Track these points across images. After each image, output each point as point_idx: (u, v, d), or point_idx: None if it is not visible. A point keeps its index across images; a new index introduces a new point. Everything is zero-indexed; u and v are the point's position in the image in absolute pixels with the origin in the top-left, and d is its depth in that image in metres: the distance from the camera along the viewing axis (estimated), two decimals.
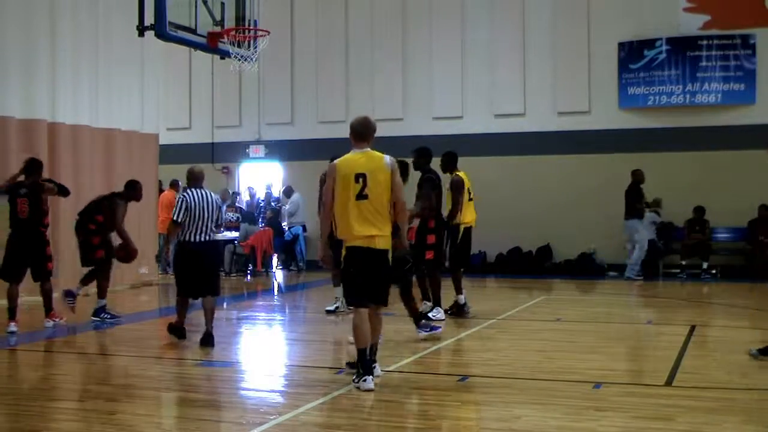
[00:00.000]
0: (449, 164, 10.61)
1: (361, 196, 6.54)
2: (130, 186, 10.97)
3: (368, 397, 6.36)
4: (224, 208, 18.26)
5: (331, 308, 10.87)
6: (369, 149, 6.71)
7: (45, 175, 12.63)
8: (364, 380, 6.46)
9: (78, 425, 5.67)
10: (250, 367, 7.99)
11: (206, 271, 8.96)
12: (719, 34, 16.31)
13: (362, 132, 6.75)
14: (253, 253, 16.98)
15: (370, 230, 6.54)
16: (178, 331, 9.00)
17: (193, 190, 8.96)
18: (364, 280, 6.63)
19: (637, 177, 15.43)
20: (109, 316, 10.52)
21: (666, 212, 16.51)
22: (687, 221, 16.10)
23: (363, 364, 6.52)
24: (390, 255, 6.65)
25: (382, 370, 6.88)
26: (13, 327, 9.59)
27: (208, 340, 8.62)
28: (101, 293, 10.62)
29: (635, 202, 15.35)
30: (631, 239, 15.59)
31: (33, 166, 10.13)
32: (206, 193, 9.01)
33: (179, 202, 8.86)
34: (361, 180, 6.55)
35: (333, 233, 6.75)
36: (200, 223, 8.79)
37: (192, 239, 8.79)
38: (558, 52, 17.26)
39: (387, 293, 6.76)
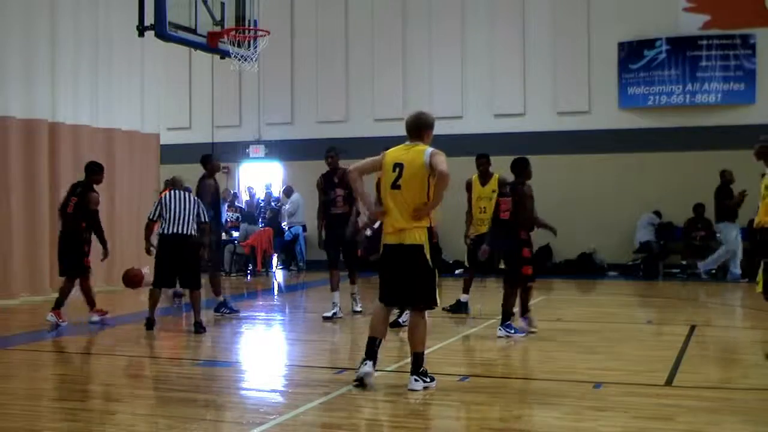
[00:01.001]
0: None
1: (394, 185, 6.53)
2: (205, 160, 11.10)
3: (368, 397, 6.36)
4: (225, 207, 18.30)
5: (329, 314, 10.54)
6: (420, 143, 6.63)
7: (45, 175, 12.73)
8: (364, 364, 6.52)
9: (78, 425, 5.67)
10: (250, 367, 7.99)
11: (181, 262, 9.60)
12: (719, 34, 16.32)
13: (410, 129, 6.72)
14: (253, 253, 16.99)
15: (401, 223, 6.50)
16: (148, 322, 9.59)
17: (170, 191, 9.79)
18: (391, 277, 6.61)
19: (727, 177, 14.99)
20: (228, 311, 10.83)
21: (666, 212, 16.52)
22: (688, 219, 16.08)
23: (367, 348, 6.57)
24: (426, 250, 6.50)
25: (382, 370, 6.86)
26: (50, 317, 9.96)
27: (197, 329, 9.43)
28: (215, 291, 10.94)
29: (726, 204, 14.87)
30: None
31: (88, 168, 10.54)
32: (183, 193, 9.75)
33: (155, 204, 9.74)
34: (397, 170, 6.53)
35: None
36: (176, 217, 9.52)
37: (168, 231, 9.54)
38: (558, 52, 17.27)
39: (421, 295, 6.54)
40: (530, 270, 9.17)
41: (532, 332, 9.16)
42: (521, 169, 9.38)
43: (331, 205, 10.61)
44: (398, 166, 6.53)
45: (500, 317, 9.14)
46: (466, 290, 10.80)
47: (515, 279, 9.14)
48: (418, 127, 6.69)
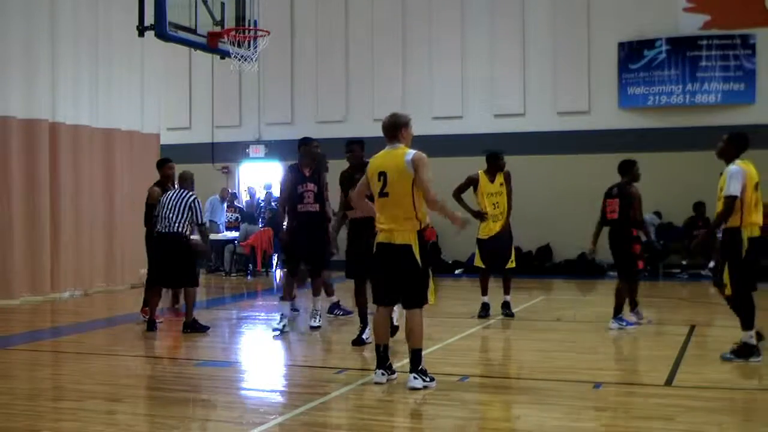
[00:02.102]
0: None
1: (382, 193, 6.61)
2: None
3: (368, 397, 6.37)
4: (224, 206, 18.29)
5: (278, 326, 9.48)
6: (399, 145, 6.68)
7: (45, 175, 12.71)
8: (374, 373, 6.69)
9: (77, 425, 5.67)
10: (250, 367, 7.99)
11: (173, 260, 9.52)
12: (719, 34, 16.32)
13: (387, 130, 6.77)
14: (253, 253, 16.98)
15: (390, 224, 6.59)
16: (149, 324, 9.62)
17: (172, 190, 9.71)
18: (385, 276, 6.70)
19: None
20: (342, 312, 10.66)
21: (666, 212, 16.51)
22: (689, 218, 16.06)
23: (376, 357, 6.72)
24: (416, 250, 6.56)
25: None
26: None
27: (186, 328, 9.42)
28: (328, 292, 10.71)
29: None
30: None
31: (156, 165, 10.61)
32: (182, 193, 9.61)
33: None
34: (382, 178, 6.60)
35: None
36: (169, 216, 9.47)
37: (160, 230, 9.55)
38: (558, 51, 17.27)
39: (413, 293, 6.62)
40: (642, 265, 9.84)
41: (639, 324, 9.57)
42: (628, 169, 9.84)
43: (298, 201, 9.53)
44: (382, 174, 6.61)
45: (612, 311, 9.54)
46: (485, 292, 10.58)
47: (630, 275, 9.68)
48: (395, 127, 6.73)
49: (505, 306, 10.59)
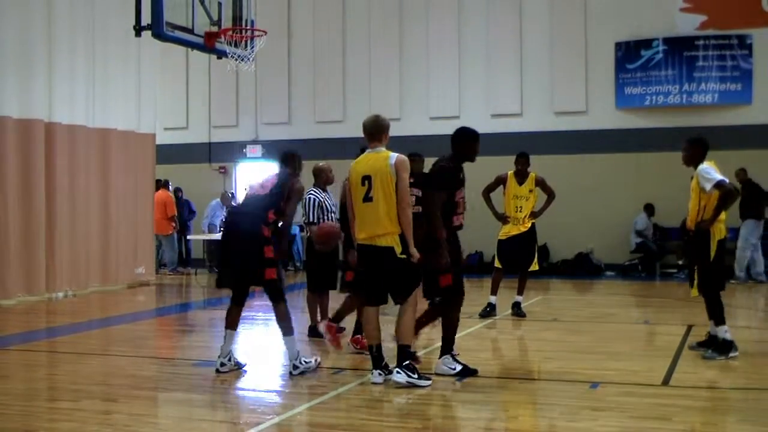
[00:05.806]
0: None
1: (366, 198, 6.58)
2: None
3: (367, 398, 6.36)
4: (223, 210, 18.25)
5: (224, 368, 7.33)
6: (382, 149, 6.71)
7: (41, 175, 12.68)
8: (371, 373, 6.66)
9: (75, 425, 5.66)
10: (248, 367, 7.97)
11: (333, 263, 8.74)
12: (716, 34, 16.35)
13: (371, 131, 6.77)
14: None
15: (375, 230, 6.58)
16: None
17: (317, 188, 8.70)
18: (369, 277, 6.72)
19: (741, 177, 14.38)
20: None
21: (662, 213, 16.53)
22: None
23: (371, 358, 6.69)
24: (398, 252, 6.55)
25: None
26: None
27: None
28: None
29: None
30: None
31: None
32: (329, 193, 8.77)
33: (312, 203, 8.49)
34: (366, 183, 6.58)
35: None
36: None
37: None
38: (555, 52, 17.28)
39: (401, 289, 6.64)
40: None
41: None
42: None
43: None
44: (366, 178, 6.60)
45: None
46: (494, 291, 10.49)
47: None
48: (380, 130, 6.77)
49: (516, 306, 10.54)
